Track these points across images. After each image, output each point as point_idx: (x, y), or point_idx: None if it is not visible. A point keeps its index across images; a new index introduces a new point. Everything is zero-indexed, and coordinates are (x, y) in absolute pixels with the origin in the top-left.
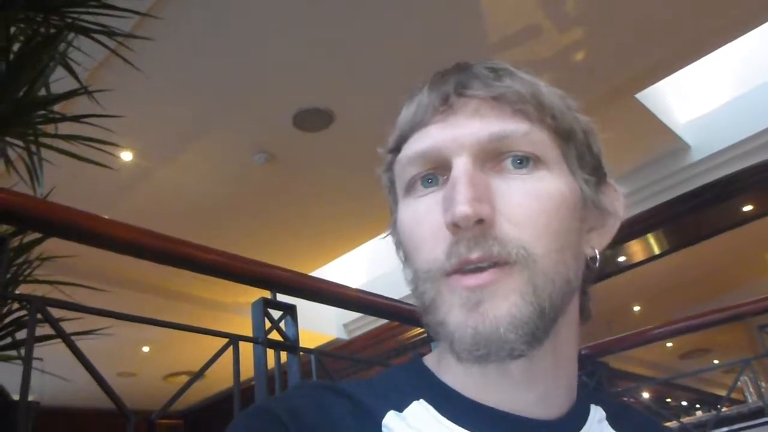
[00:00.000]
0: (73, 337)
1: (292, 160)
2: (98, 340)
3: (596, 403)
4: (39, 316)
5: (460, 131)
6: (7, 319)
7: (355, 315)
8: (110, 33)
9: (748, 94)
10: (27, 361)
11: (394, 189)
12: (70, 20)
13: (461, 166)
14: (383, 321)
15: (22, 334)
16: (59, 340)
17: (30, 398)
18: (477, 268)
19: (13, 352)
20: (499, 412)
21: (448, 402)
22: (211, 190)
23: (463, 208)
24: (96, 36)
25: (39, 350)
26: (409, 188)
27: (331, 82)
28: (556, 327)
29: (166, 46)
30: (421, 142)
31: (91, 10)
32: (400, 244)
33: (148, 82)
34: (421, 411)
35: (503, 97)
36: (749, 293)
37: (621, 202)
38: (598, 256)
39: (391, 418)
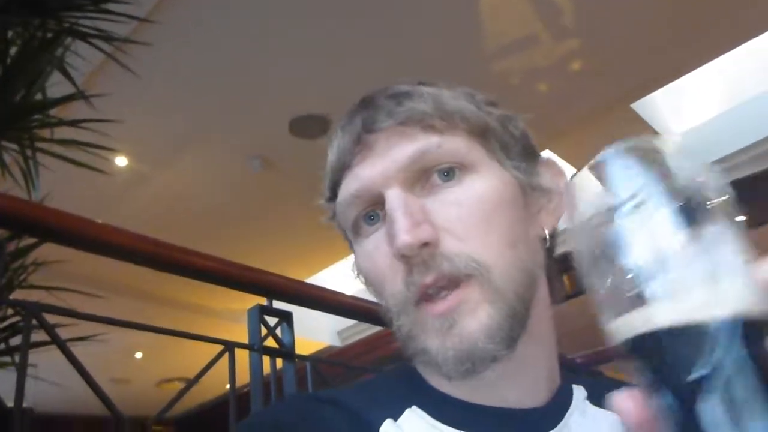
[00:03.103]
0: (67, 344)
1: (288, 167)
2: (91, 346)
3: (577, 383)
4: (34, 321)
5: (380, 165)
6: (1, 325)
7: (349, 322)
8: (107, 38)
9: (739, 108)
10: (22, 368)
11: (346, 233)
12: (67, 25)
13: (393, 197)
14: (377, 328)
15: (15, 340)
16: (53, 346)
17: (24, 405)
18: (440, 293)
19: (7, 359)
20: (490, 408)
21: (440, 406)
22: (206, 196)
23: (403, 238)
24: (93, 41)
25: (32, 356)
26: (356, 229)
27: (327, 89)
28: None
29: (163, 52)
30: (351, 185)
31: (88, 14)
32: (368, 283)
33: (144, 87)
34: (415, 418)
35: (408, 121)
36: None
37: (562, 176)
38: (547, 236)
39: (387, 427)
